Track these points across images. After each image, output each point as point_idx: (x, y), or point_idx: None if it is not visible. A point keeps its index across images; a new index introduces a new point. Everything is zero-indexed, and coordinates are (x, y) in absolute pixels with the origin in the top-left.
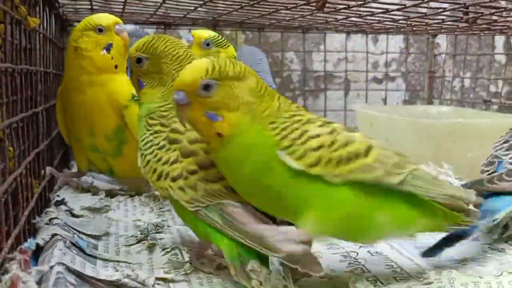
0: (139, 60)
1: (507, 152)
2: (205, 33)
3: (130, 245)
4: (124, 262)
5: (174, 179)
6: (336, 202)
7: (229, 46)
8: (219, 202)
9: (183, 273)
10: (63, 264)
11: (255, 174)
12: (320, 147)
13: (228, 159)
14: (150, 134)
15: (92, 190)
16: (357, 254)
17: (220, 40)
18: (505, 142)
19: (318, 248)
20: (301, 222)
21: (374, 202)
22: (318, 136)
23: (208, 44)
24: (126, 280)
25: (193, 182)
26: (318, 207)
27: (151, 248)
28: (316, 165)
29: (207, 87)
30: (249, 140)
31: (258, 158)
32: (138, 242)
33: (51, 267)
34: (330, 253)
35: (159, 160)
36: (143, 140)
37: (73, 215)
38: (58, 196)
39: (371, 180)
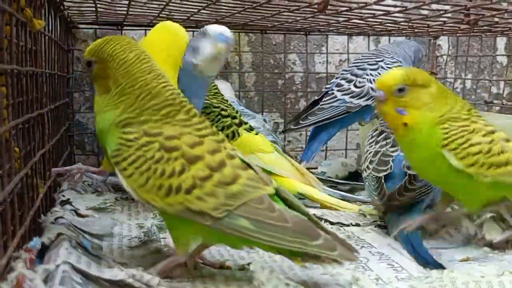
0: (89, 64)
1: (394, 149)
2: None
3: (133, 247)
4: (129, 263)
5: (188, 191)
6: (480, 191)
7: None
8: (244, 203)
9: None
10: (69, 263)
11: (425, 158)
12: (478, 153)
13: (410, 142)
14: (136, 149)
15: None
16: (359, 254)
17: None
18: (380, 134)
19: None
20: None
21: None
22: (478, 144)
23: None
24: (131, 280)
25: (210, 189)
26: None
27: (155, 253)
28: (472, 166)
29: (401, 90)
30: (425, 132)
31: (428, 147)
32: (142, 243)
33: (57, 266)
34: None
35: (162, 174)
36: (126, 159)
37: (79, 215)
38: (63, 196)
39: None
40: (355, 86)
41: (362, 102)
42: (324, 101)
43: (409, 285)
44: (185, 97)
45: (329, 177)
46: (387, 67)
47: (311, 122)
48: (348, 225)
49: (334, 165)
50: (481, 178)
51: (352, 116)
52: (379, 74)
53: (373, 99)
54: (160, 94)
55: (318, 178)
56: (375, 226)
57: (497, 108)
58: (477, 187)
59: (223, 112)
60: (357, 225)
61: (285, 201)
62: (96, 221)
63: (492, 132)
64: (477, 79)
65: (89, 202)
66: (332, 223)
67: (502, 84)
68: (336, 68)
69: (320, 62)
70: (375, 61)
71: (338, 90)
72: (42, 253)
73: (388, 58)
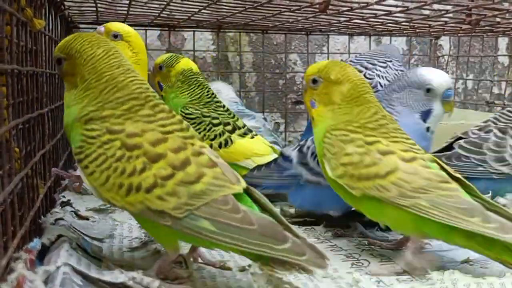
0: (58, 61)
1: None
2: (114, 26)
3: (134, 249)
4: (129, 266)
5: (148, 190)
6: (356, 206)
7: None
8: (206, 203)
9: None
10: (70, 264)
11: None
12: (347, 164)
13: (315, 134)
14: (98, 147)
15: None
16: (360, 255)
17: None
18: None
19: (320, 248)
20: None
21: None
22: (349, 155)
23: (116, 36)
24: (131, 283)
25: (171, 188)
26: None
27: (155, 254)
28: (342, 177)
29: (315, 81)
30: (319, 135)
31: (319, 147)
32: (142, 244)
33: (58, 267)
34: (333, 254)
35: (122, 172)
36: (87, 156)
37: (79, 217)
38: (63, 197)
39: (383, 198)
40: (365, 77)
41: None
42: None
43: (410, 286)
44: (154, 92)
45: None
46: (395, 68)
47: None
48: (349, 227)
49: None
50: (350, 190)
51: None
52: (387, 72)
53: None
54: (125, 88)
55: None
56: (376, 230)
57: (499, 108)
58: (353, 200)
59: (214, 121)
60: None
61: (257, 201)
62: (96, 224)
63: (371, 143)
64: (478, 80)
65: (89, 203)
66: (332, 227)
67: (503, 84)
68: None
69: None
70: (385, 60)
71: None
72: (42, 254)
73: (395, 60)
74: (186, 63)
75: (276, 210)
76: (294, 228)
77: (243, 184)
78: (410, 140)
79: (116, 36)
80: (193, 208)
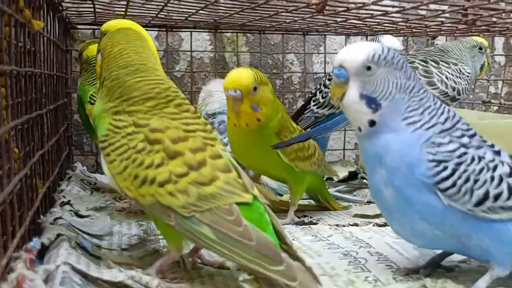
0: (98, 53)
1: None
2: (104, 26)
3: (133, 247)
4: (128, 264)
5: (161, 184)
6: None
7: None
8: (212, 207)
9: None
10: (69, 263)
11: (267, 148)
12: (298, 150)
13: (259, 136)
14: (122, 137)
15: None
16: (357, 253)
17: None
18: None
19: (317, 247)
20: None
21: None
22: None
23: (105, 35)
24: (130, 282)
25: (183, 186)
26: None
27: (154, 253)
28: (294, 160)
29: (255, 89)
30: (271, 126)
31: (271, 140)
32: (141, 241)
33: (57, 266)
34: (330, 252)
35: (140, 164)
36: (111, 144)
37: (79, 216)
38: (64, 197)
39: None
40: (322, 97)
41: (326, 111)
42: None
43: (407, 286)
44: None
45: (328, 178)
46: None
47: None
48: (345, 225)
49: (334, 166)
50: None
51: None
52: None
53: (337, 107)
54: (134, 88)
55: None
56: (373, 225)
57: (495, 108)
58: (296, 175)
59: None
60: (355, 225)
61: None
62: (95, 221)
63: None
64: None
65: (89, 203)
66: (329, 225)
67: (500, 83)
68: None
69: (318, 62)
70: None
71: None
72: (42, 253)
73: None
74: (91, 50)
75: (282, 229)
76: (295, 250)
77: (256, 193)
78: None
79: (105, 35)
80: (199, 210)
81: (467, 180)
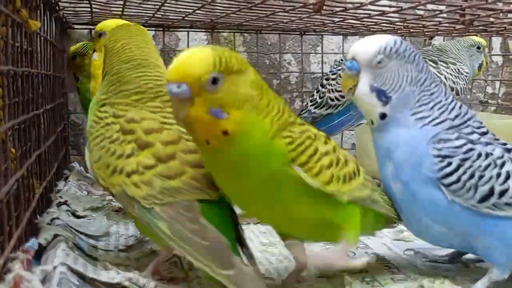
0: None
1: None
2: (99, 26)
3: (130, 248)
4: (125, 265)
5: (128, 174)
6: (348, 216)
7: None
8: (172, 201)
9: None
10: (66, 264)
11: (263, 179)
12: (330, 165)
13: (234, 160)
14: (101, 127)
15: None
16: (355, 254)
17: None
18: None
19: (316, 249)
20: (343, 237)
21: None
22: (327, 153)
23: (100, 35)
24: (127, 284)
25: (148, 178)
26: (339, 222)
27: (150, 255)
28: (330, 182)
29: (215, 81)
30: (258, 141)
31: (268, 164)
32: (138, 242)
33: (55, 267)
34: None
35: (112, 154)
36: (92, 134)
37: (76, 216)
38: (60, 197)
39: (365, 197)
40: (320, 96)
41: (323, 111)
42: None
43: (405, 286)
44: None
45: None
46: None
47: None
48: None
49: None
50: (340, 197)
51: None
52: (337, 83)
53: (334, 107)
54: (131, 82)
55: None
56: None
57: (493, 108)
58: (336, 212)
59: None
60: None
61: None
62: (92, 222)
63: (328, 137)
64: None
65: (86, 203)
66: None
67: (497, 84)
68: (333, 67)
69: (315, 62)
70: (336, 69)
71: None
72: (39, 254)
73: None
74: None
75: (242, 232)
76: (252, 253)
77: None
78: None
79: (100, 35)
80: (159, 203)
81: (472, 176)
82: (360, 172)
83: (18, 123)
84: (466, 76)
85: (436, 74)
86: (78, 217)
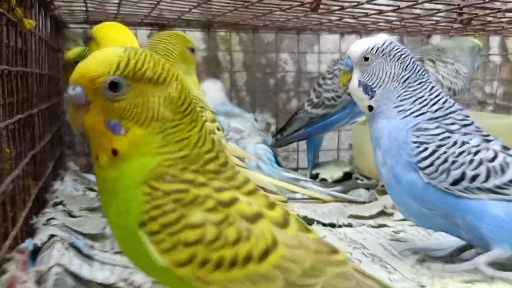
0: None
1: None
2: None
3: None
4: (121, 266)
5: None
6: None
7: None
8: None
9: None
10: (62, 265)
11: (119, 225)
12: (197, 242)
13: (107, 189)
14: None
15: None
16: (351, 254)
17: None
18: None
19: None
20: None
21: None
22: (199, 226)
23: (90, 39)
24: (123, 284)
25: None
26: None
27: None
28: (185, 264)
29: (114, 86)
30: (131, 181)
31: (126, 212)
32: None
33: (50, 268)
34: None
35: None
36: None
37: (72, 216)
38: (56, 197)
39: None
40: (316, 96)
41: (320, 111)
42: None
43: (402, 286)
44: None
45: (323, 178)
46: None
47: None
48: (340, 226)
49: (328, 166)
50: (200, 286)
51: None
52: (334, 83)
53: (331, 107)
54: None
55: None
56: (367, 226)
57: (490, 107)
58: None
59: None
60: (350, 225)
61: None
62: (89, 221)
63: (228, 203)
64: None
65: (82, 203)
66: (324, 225)
67: (495, 83)
68: (329, 67)
69: (312, 62)
70: (333, 68)
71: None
72: (35, 254)
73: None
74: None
75: None
76: None
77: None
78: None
79: (90, 39)
80: None
81: (445, 161)
82: (272, 254)
83: (12, 123)
84: (465, 77)
85: (433, 74)
86: (75, 217)
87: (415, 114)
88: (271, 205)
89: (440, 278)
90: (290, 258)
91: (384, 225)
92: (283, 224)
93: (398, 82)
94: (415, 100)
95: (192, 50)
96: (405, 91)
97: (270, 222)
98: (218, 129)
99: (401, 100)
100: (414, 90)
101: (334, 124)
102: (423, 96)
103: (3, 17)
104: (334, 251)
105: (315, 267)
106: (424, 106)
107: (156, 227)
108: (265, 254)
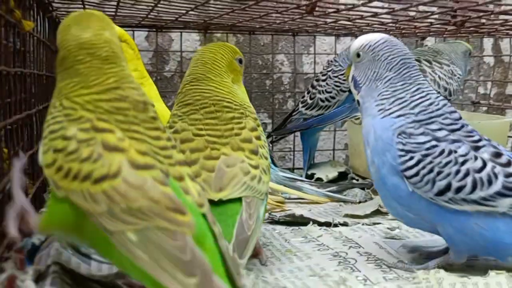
0: None
1: None
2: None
3: None
4: None
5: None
6: (55, 210)
7: None
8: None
9: None
10: (59, 264)
11: None
12: (60, 150)
13: None
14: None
15: None
16: (347, 254)
17: None
18: None
19: (308, 249)
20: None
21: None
22: (67, 138)
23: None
24: (120, 282)
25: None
26: (48, 208)
27: None
28: (48, 166)
29: None
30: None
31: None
32: None
33: (48, 267)
34: (320, 254)
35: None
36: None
37: None
38: None
39: (86, 211)
40: (310, 98)
41: (314, 112)
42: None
43: (397, 285)
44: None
45: (318, 178)
46: (333, 76)
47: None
48: (336, 225)
49: (323, 166)
50: (53, 188)
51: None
52: (327, 84)
53: (324, 108)
54: (186, 94)
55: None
56: (362, 224)
57: (484, 108)
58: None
59: None
60: (345, 224)
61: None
62: None
63: (103, 131)
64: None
65: None
66: (320, 224)
67: (489, 84)
68: (324, 68)
69: (308, 63)
70: (326, 70)
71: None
72: (33, 253)
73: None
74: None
75: (225, 243)
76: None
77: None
78: (165, 141)
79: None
80: None
81: (430, 171)
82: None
83: (10, 123)
84: (459, 78)
85: (430, 74)
86: None
87: (395, 114)
88: (145, 153)
89: (434, 273)
90: (119, 192)
91: (379, 223)
92: (142, 167)
93: (380, 82)
94: (394, 101)
95: (240, 61)
96: (386, 91)
97: (127, 159)
98: (258, 138)
99: (381, 99)
100: (394, 91)
101: (334, 117)
102: (403, 97)
103: (2, 19)
104: (179, 210)
105: (142, 211)
106: (404, 107)
107: (45, 134)
108: (101, 179)
